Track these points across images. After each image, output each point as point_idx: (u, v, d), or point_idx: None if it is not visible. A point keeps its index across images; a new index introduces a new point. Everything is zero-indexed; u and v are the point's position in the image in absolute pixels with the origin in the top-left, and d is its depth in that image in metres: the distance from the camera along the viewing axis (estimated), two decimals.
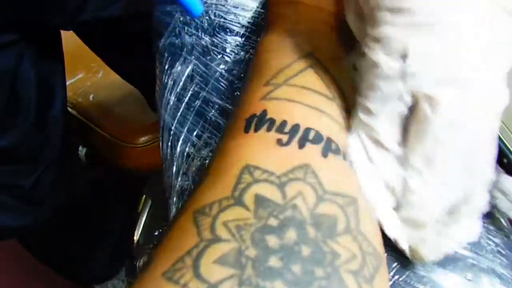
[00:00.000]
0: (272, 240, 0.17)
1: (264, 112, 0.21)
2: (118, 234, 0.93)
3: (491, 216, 0.30)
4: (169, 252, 0.17)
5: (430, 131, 0.20)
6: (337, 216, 0.18)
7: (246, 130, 0.21)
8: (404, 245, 0.22)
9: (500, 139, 1.00)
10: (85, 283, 0.96)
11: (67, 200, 0.73)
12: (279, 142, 0.20)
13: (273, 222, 0.17)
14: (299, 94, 0.22)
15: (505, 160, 1.03)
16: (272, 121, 0.21)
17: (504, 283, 0.27)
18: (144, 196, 1.08)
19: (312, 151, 0.20)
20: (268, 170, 0.19)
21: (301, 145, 0.20)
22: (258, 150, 0.20)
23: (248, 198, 0.18)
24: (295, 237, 0.17)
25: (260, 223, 0.17)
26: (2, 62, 0.53)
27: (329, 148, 0.20)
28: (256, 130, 0.21)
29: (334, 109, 0.22)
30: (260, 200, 0.18)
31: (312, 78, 0.23)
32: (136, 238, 1.00)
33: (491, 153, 0.22)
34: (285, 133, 0.20)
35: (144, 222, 1.04)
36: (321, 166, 0.19)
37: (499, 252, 0.28)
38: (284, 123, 0.20)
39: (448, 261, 0.27)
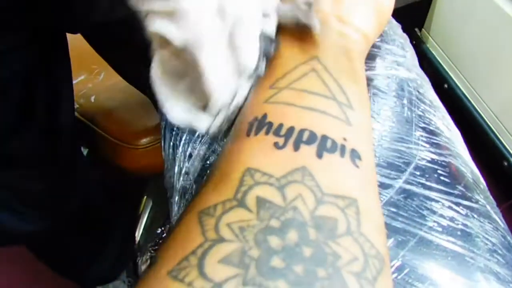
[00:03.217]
0: (274, 241, 0.17)
1: (265, 115, 0.22)
2: (124, 236, 0.94)
3: (488, 216, 0.31)
4: (174, 251, 0.18)
5: None
6: (338, 219, 0.18)
7: (248, 134, 0.22)
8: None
9: (500, 142, 1.00)
10: (88, 285, 0.96)
11: (80, 203, 0.73)
12: (276, 145, 0.20)
13: (275, 223, 0.18)
14: (297, 97, 0.22)
15: (505, 163, 1.02)
16: (270, 125, 0.21)
17: (501, 282, 0.28)
18: (145, 197, 1.08)
19: (307, 152, 0.20)
20: (268, 173, 0.19)
21: (296, 147, 0.20)
22: (258, 154, 0.20)
23: (250, 200, 0.18)
24: (296, 238, 0.17)
25: (262, 224, 0.17)
26: (15, 64, 0.53)
27: (324, 147, 0.20)
28: (256, 133, 0.21)
29: (331, 105, 0.22)
30: (261, 202, 0.18)
31: (312, 81, 0.23)
32: (137, 238, 1.00)
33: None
34: (281, 136, 0.21)
35: (145, 223, 1.05)
36: (317, 168, 0.20)
37: (495, 251, 0.29)
38: (280, 126, 0.21)
39: (446, 260, 0.28)
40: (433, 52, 0.97)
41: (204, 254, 0.17)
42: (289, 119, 0.21)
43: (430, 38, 0.96)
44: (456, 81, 0.93)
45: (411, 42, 0.42)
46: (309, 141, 0.20)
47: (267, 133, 0.21)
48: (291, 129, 0.21)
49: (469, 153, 0.36)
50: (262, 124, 0.21)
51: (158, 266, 0.18)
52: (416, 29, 0.97)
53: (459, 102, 0.91)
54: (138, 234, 1.02)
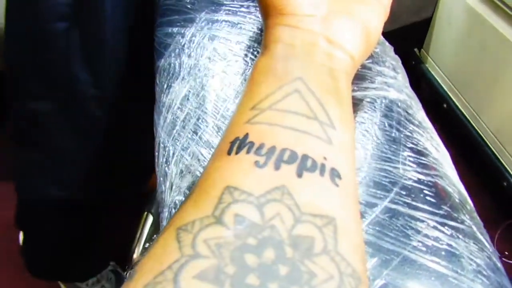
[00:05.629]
0: (250, 259, 0.17)
1: (246, 135, 0.22)
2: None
3: (473, 237, 0.31)
4: (151, 266, 0.18)
5: None
6: (315, 237, 0.19)
7: (229, 153, 0.22)
8: None
9: (500, 162, 1.00)
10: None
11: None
12: (257, 164, 0.21)
13: (252, 241, 0.18)
14: (279, 118, 0.23)
15: (504, 183, 1.02)
16: (251, 144, 0.22)
17: None
18: (145, 212, 1.08)
19: (287, 171, 0.21)
20: (247, 191, 0.20)
21: (277, 167, 0.21)
22: (238, 172, 0.21)
23: (228, 218, 0.19)
24: (273, 257, 0.18)
25: (239, 241, 0.18)
26: None
27: (304, 166, 0.21)
28: (237, 152, 0.22)
29: (313, 125, 0.23)
30: (239, 220, 0.19)
31: (295, 101, 0.24)
32: (136, 255, 1.00)
33: None
34: (262, 155, 0.21)
35: (146, 238, 1.04)
36: (296, 187, 0.20)
37: (480, 272, 0.29)
38: (261, 145, 0.21)
39: (429, 280, 0.28)
40: (432, 72, 0.98)
41: (180, 269, 0.17)
42: (271, 139, 0.22)
43: (429, 58, 0.97)
44: (455, 101, 0.93)
45: (410, 62, 0.42)
46: (290, 161, 0.21)
47: (248, 152, 0.21)
48: (272, 149, 0.21)
49: (468, 173, 0.36)
50: (243, 144, 0.22)
51: (135, 279, 0.18)
52: (415, 50, 0.98)
53: (458, 122, 0.91)
54: (138, 250, 1.02)
